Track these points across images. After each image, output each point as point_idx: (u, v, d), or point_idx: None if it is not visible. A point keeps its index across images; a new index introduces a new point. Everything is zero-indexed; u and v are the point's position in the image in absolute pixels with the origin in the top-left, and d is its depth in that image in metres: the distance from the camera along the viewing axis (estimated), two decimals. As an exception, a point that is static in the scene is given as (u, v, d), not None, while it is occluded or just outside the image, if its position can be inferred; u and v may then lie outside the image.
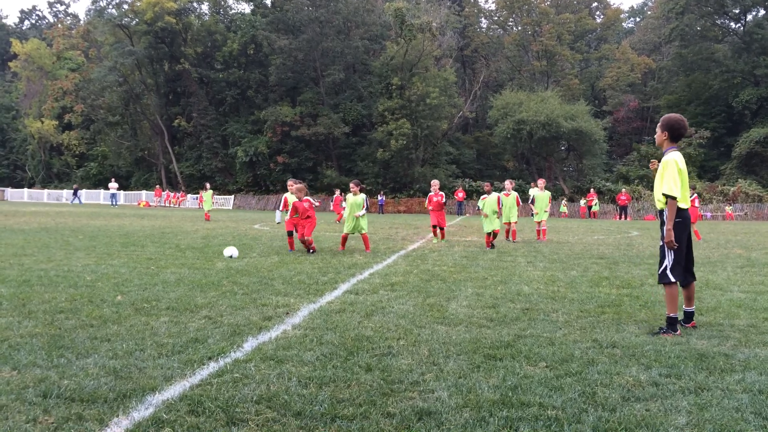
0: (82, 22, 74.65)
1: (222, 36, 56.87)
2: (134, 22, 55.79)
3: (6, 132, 67.74)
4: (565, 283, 8.91)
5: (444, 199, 16.35)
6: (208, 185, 28.89)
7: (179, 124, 56.65)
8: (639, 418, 3.62)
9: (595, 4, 73.59)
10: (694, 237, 13.92)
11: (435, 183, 16.53)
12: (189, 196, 52.39)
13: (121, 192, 53.39)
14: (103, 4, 56.64)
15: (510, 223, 17.19)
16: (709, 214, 43.85)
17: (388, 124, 49.45)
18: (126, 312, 6.35)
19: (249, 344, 5.16)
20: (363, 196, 13.61)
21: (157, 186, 54.87)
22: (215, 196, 52.02)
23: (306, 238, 12.54)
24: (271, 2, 57.99)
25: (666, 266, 5.84)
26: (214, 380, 4.17)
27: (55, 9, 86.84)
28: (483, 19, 71.29)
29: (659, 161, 6.01)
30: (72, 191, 53.78)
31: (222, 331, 5.60)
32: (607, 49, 68.41)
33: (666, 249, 5.87)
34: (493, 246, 14.67)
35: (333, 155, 54.40)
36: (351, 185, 13.72)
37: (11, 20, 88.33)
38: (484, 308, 6.92)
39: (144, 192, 55.69)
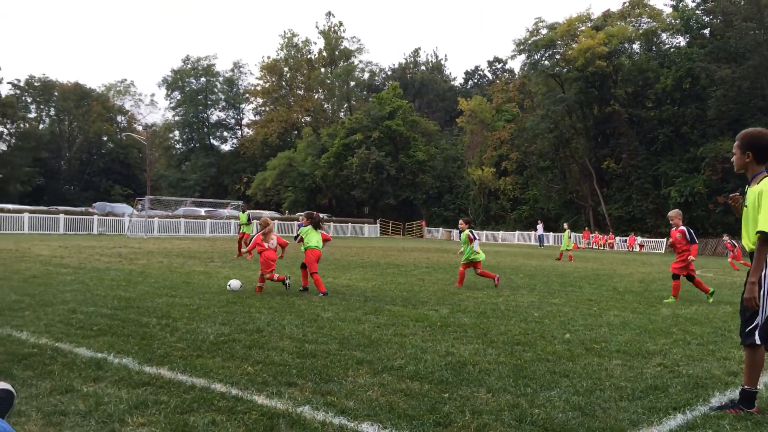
0: (517, 76, 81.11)
1: (654, 73, 55.09)
2: (565, 70, 58.18)
3: (453, 180, 77.01)
4: None
5: (687, 236, 11.61)
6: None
7: (608, 165, 56.55)
8: None
9: None
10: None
11: (671, 214, 12.17)
12: (617, 238, 51.56)
13: (549, 234, 55.45)
14: (536, 57, 60.60)
15: None
16: None
17: None
18: (577, 350, 6.47)
19: (716, 399, 4.72)
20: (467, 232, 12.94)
21: (585, 228, 55.44)
22: (641, 239, 50.26)
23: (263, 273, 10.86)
24: (710, 31, 53.98)
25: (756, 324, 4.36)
26: (685, 433, 3.92)
27: (494, 67, 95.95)
28: None
29: (743, 194, 4.68)
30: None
31: (682, 381, 5.25)
32: None
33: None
34: None
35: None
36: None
37: (458, 81, 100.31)
38: None
39: (572, 234, 56.90)
